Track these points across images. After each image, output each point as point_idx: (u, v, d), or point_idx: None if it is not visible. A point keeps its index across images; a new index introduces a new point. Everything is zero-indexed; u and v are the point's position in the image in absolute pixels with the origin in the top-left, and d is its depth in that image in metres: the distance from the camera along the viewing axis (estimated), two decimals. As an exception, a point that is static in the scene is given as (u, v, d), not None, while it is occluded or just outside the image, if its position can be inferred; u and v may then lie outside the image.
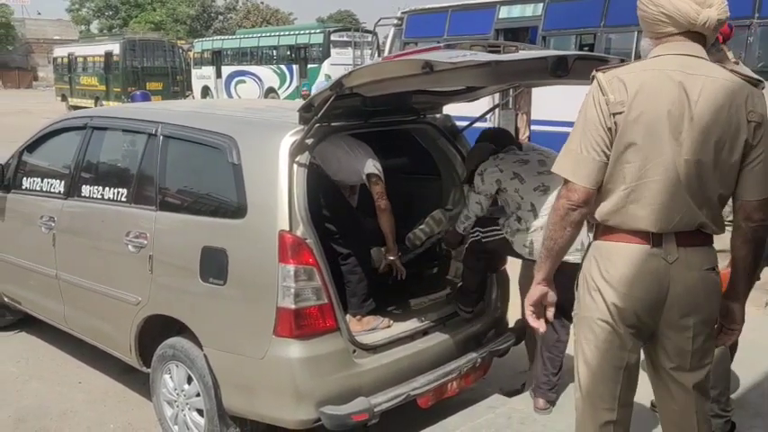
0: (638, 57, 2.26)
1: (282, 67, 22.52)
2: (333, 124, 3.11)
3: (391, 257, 3.55)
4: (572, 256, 2.34)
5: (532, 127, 10.00)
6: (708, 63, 1.95)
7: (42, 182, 4.14)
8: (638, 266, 1.93)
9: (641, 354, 2.08)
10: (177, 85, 24.33)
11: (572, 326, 2.45)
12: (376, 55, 13.72)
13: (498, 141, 3.45)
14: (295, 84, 21.49)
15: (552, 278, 2.11)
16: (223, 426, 3.01)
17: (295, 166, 2.83)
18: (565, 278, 2.23)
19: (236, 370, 2.94)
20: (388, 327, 3.24)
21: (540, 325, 2.15)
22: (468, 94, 3.61)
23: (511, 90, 4.32)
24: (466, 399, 3.48)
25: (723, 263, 2.10)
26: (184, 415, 3.21)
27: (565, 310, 2.76)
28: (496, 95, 5.25)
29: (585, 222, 2.04)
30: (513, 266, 3.70)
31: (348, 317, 3.09)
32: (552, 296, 2.12)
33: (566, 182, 1.96)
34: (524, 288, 3.45)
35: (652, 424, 2.87)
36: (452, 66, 2.38)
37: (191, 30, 52.28)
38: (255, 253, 2.84)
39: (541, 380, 3.31)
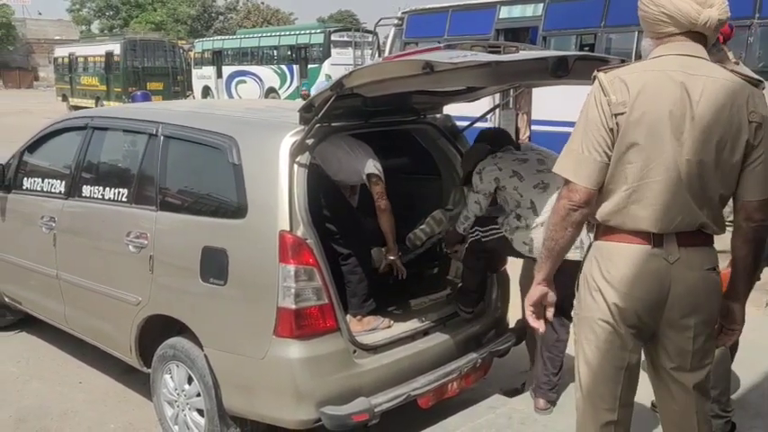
0: (638, 57, 2.27)
1: (283, 67, 22.52)
2: (333, 124, 3.11)
3: (392, 257, 3.55)
4: (571, 254, 2.33)
5: (533, 127, 9.99)
6: (709, 63, 1.95)
7: (43, 182, 4.14)
8: (639, 266, 1.93)
9: (642, 354, 2.08)
10: (178, 85, 24.32)
11: (572, 325, 2.45)
12: (376, 55, 13.71)
13: (495, 142, 3.45)
14: (296, 84, 21.49)
15: (552, 278, 2.11)
16: (223, 426, 3.01)
17: (295, 166, 2.83)
18: (564, 276, 2.23)
19: (236, 370, 2.94)
20: (389, 327, 3.24)
21: (539, 325, 2.15)
22: (469, 94, 3.61)
23: (511, 90, 4.32)
24: (466, 399, 3.48)
25: (723, 263, 2.10)
26: (185, 415, 3.21)
27: (564, 308, 2.76)
28: (497, 95, 5.25)
29: (585, 222, 2.05)
30: (513, 267, 3.70)
31: (348, 317, 3.09)
32: (552, 296, 2.13)
33: (567, 182, 1.96)
34: (525, 288, 3.45)
35: (652, 424, 2.86)
36: (453, 66, 2.38)
37: (191, 30, 52.30)
38: (256, 253, 2.85)
39: (542, 380, 3.31)
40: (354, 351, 2.89)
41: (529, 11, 10.07)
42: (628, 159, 1.90)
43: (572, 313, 2.17)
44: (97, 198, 3.69)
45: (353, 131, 3.38)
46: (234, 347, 2.93)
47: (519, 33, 10.38)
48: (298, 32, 23.08)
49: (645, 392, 2.28)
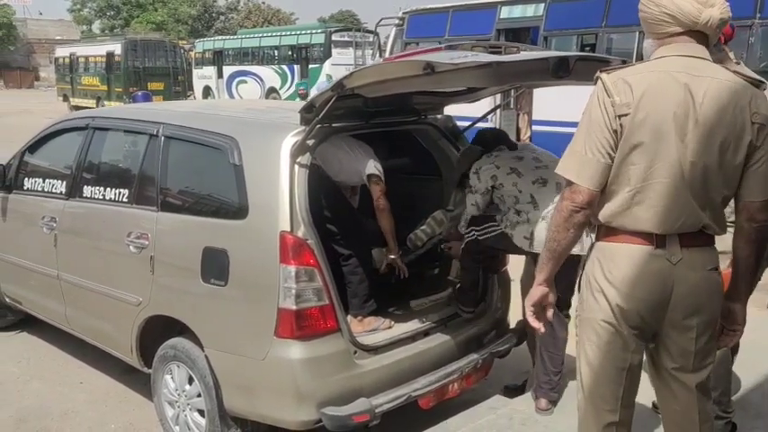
0: (639, 57, 2.27)
1: (284, 67, 22.52)
2: (334, 125, 3.11)
3: (392, 256, 3.55)
4: None
5: (534, 127, 9.99)
6: (711, 64, 1.95)
7: (44, 182, 4.15)
8: (641, 267, 1.93)
9: (643, 355, 2.08)
10: (178, 85, 24.32)
11: (573, 326, 2.45)
12: (377, 55, 13.70)
13: (494, 142, 3.44)
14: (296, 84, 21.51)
15: (553, 279, 2.11)
16: (224, 426, 3.01)
17: (296, 166, 2.83)
18: (562, 269, 2.23)
19: (237, 371, 2.94)
20: (389, 328, 3.24)
21: (540, 325, 2.15)
22: (470, 94, 3.61)
23: (512, 91, 4.32)
24: (467, 399, 3.48)
25: (723, 264, 2.10)
26: (185, 415, 3.21)
27: (562, 303, 2.76)
28: (498, 96, 5.25)
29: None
30: (514, 267, 3.70)
31: (349, 318, 3.09)
32: (553, 297, 2.13)
33: (569, 183, 1.96)
34: (525, 288, 3.45)
35: (654, 424, 2.86)
36: (454, 67, 2.38)
37: (192, 30, 52.32)
38: (257, 254, 2.85)
39: (542, 379, 3.31)
40: (355, 352, 2.89)
41: (530, 11, 10.07)
42: (631, 161, 1.90)
43: (572, 313, 2.16)
44: (98, 198, 3.69)
45: (354, 132, 3.38)
46: (235, 348, 2.93)
47: (520, 33, 10.38)
48: (299, 32, 23.08)
49: (646, 393, 2.27)
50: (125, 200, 3.51)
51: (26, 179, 4.31)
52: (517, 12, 10.32)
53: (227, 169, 2.98)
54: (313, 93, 12.12)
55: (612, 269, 1.96)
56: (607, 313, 1.98)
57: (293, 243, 2.74)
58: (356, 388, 2.85)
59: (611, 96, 1.90)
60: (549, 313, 2.16)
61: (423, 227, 3.68)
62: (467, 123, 4.11)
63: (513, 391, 3.67)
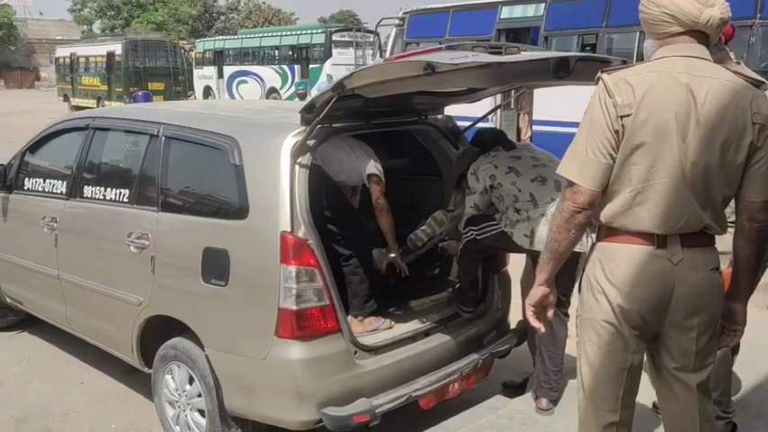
0: (640, 57, 2.27)
1: (284, 67, 22.52)
2: (334, 125, 3.11)
3: (392, 255, 3.56)
4: None
5: (534, 127, 9.99)
6: (712, 65, 1.95)
7: (44, 182, 4.15)
8: (642, 267, 1.93)
9: (644, 355, 2.08)
10: (179, 85, 24.31)
11: (574, 326, 2.45)
12: (378, 55, 13.71)
13: (492, 142, 3.44)
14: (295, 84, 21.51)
15: (554, 279, 2.11)
16: (225, 426, 3.01)
17: (297, 167, 2.83)
18: (562, 267, 2.22)
19: (237, 371, 2.94)
20: (390, 328, 3.24)
21: (541, 326, 2.15)
22: (470, 95, 3.61)
23: (513, 91, 4.31)
24: (467, 400, 3.49)
25: (723, 264, 2.11)
26: (186, 415, 3.21)
27: (562, 302, 2.75)
28: (498, 96, 5.25)
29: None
30: (514, 267, 3.70)
31: (350, 318, 3.09)
32: (553, 297, 2.14)
33: (571, 184, 1.96)
34: (526, 288, 3.45)
35: (654, 424, 2.87)
36: (454, 67, 2.38)
37: (192, 30, 52.33)
38: (257, 254, 2.85)
39: (542, 378, 3.31)
40: (355, 352, 2.89)
41: (530, 11, 10.07)
42: (633, 161, 1.90)
43: (572, 313, 2.16)
44: (99, 199, 3.69)
45: (355, 132, 3.38)
46: (235, 348, 2.93)
47: (520, 33, 10.38)
48: (299, 32, 23.08)
49: (646, 393, 2.27)
50: (126, 200, 3.51)
51: (27, 179, 4.31)
52: (517, 12, 10.32)
53: (227, 169, 2.98)
54: (313, 93, 12.14)
55: (614, 269, 1.96)
56: (608, 313, 1.98)
57: (294, 243, 2.74)
58: (356, 388, 2.85)
59: (612, 97, 1.90)
60: (550, 313, 2.17)
61: (423, 227, 3.68)
62: (467, 123, 4.11)
63: (512, 388, 3.68)
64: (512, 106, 10.10)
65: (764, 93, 1.96)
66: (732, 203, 2.03)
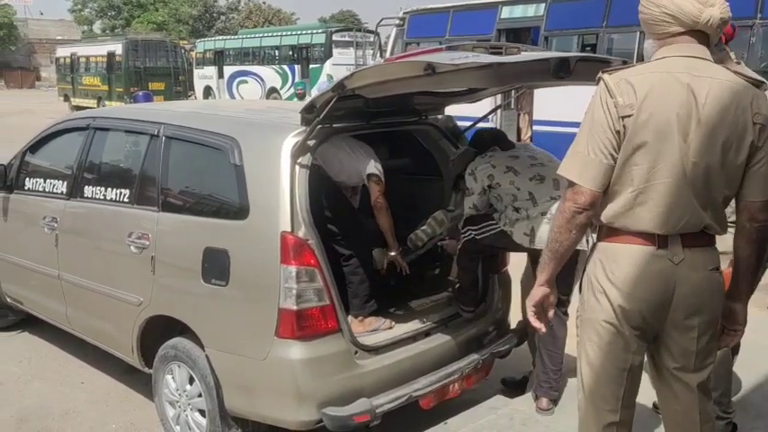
0: (640, 58, 2.27)
1: (284, 67, 22.51)
2: (335, 125, 3.11)
3: (392, 253, 3.56)
4: None
5: (534, 127, 10.00)
6: (713, 65, 1.96)
7: (45, 182, 4.15)
8: (643, 267, 1.93)
9: (644, 355, 2.08)
10: (179, 85, 24.31)
11: (571, 324, 2.45)
12: (378, 55, 13.71)
13: (486, 144, 3.44)
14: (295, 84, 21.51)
15: (555, 279, 2.11)
16: (225, 426, 3.01)
17: (297, 167, 2.83)
18: (562, 267, 2.22)
19: (237, 371, 2.94)
20: (390, 328, 3.24)
21: (541, 326, 2.15)
22: (470, 95, 3.61)
23: (513, 91, 4.32)
24: (468, 400, 3.49)
25: (723, 264, 2.11)
26: (186, 415, 3.21)
27: (561, 302, 2.75)
28: (498, 96, 5.25)
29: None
30: (514, 267, 3.70)
31: (350, 318, 3.09)
32: (554, 298, 2.14)
33: (572, 184, 1.96)
34: (526, 288, 3.45)
35: (654, 425, 2.87)
36: (455, 67, 2.38)
37: (193, 30, 52.34)
38: (257, 254, 2.85)
39: (542, 378, 3.31)
40: (356, 352, 2.89)
41: (530, 11, 10.07)
42: (634, 161, 1.90)
43: (572, 312, 2.16)
44: (99, 199, 3.69)
45: (355, 132, 3.38)
46: (235, 348, 2.93)
47: (520, 33, 10.38)
48: (299, 32, 23.07)
49: (647, 393, 2.27)
50: (126, 200, 3.51)
51: (27, 179, 4.31)
52: (518, 12, 10.32)
53: (227, 169, 2.98)
54: (314, 93, 12.14)
55: (614, 270, 1.96)
56: (609, 314, 1.98)
57: (294, 243, 2.74)
58: (357, 388, 2.85)
59: (614, 97, 1.90)
60: (551, 313, 2.17)
61: (423, 227, 3.68)
62: (468, 124, 4.11)
63: (512, 385, 3.70)
64: (512, 106, 10.10)
65: (765, 93, 1.97)
66: (732, 203, 2.03)
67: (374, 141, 3.56)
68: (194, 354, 3.08)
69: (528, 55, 2.66)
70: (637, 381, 2.08)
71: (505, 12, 10.34)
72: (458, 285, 3.56)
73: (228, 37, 27.91)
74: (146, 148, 3.48)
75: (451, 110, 4.00)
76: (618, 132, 1.90)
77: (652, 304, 1.95)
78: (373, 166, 3.42)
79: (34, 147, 4.37)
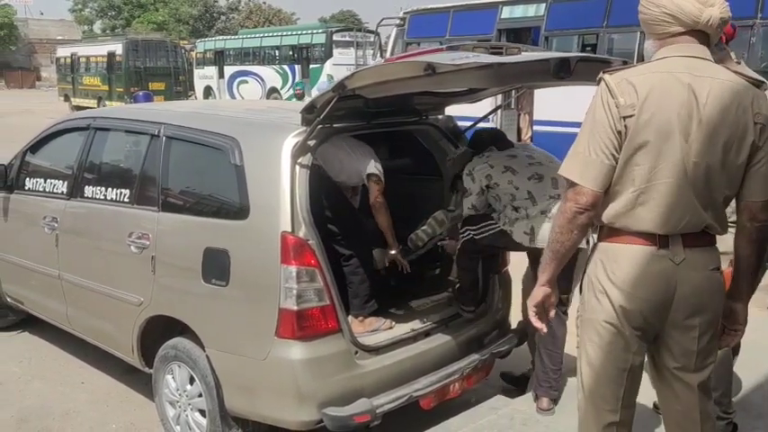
0: (640, 58, 2.27)
1: (285, 67, 22.51)
2: (335, 125, 3.11)
3: (393, 252, 3.56)
4: None
5: (535, 127, 10.00)
6: (713, 65, 1.96)
7: (45, 182, 4.15)
8: (644, 268, 1.93)
9: (644, 355, 2.08)
10: (180, 85, 24.30)
11: (571, 324, 2.45)
12: (378, 55, 13.72)
13: (485, 144, 3.44)
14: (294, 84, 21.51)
15: (556, 279, 2.11)
16: (225, 426, 3.01)
17: (297, 167, 2.83)
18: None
19: (238, 371, 2.94)
20: (390, 328, 3.24)
21: (543, 326, 2.15)
22: (471, 95, 3.61)
23: (513, 91, 4.32)
24: (468, 400, 3.48)
25: (724, 264, 2.11)
26: (187, 415, 3.21)
27: (561, 301, 2.75)
28: (499, 96, 5.24)
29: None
30: (515, 267, 3.70)
31: (350, 318, 3.09)
32: (555, 298, 2.14)
33: (573, 185, 1.95)
34: (527, 289, 3.45)
35: (654, 425, 2.86)
36: (455, 68, 2.38)
37: (193, 30, 52.35)
38: (258, 254, 2.85)
39: (541, 378, 3.31)
40: (356, 352, 2.89)
41: (531, 11, 10.07)
42: (635, 161, 1.90)
43: (573, 312, 2.16)
44: (99, 199, 3.69)
45: (355, 133, 3.39)
46: (236, 348, 2.93)
47: (521, 33, 10.38)
48: (300, 32, 23.07)
49: (647, 393, 2.27)
50: (126, 200, 3.51)
51: (27, 179, 4.31)
52: (518, 12, 10.32)
53: (228, 169, 2.98)
54: (314, 93, 12.14)
55: (615, 270, 1.96)
56: (609, 314, 1.98)
57: (294, 243, 2.75)
58: (357, 388, 2.85)
59: (615, 97, 1.90)
60: (552, 313, 2.17)
61: (423, 227, 3.68)
62: (468, 124, 4.11)
63: (511, 380, 3.71)
64: (512, 106, 10.10)
65: (765, 93, 1.96)
66: (733, 203, 2.03)
67: (374, 141, 3.56)
68: (195, 354, 3.08)
69: (528, 55, 2.66)
70: (637, 381, 2.08)
71: (506, 12, 10.34)
72: (458, 285, 3.56)
73: (229, 37, 27.90)
74: (146, 149, 3.48)
75: (452, 110, 4.00)
76: (619, 132, 1.90)
77: (653, 304, 1.95)
78: (373, 166, 3.42)
79: (35, 147, 4.37)
